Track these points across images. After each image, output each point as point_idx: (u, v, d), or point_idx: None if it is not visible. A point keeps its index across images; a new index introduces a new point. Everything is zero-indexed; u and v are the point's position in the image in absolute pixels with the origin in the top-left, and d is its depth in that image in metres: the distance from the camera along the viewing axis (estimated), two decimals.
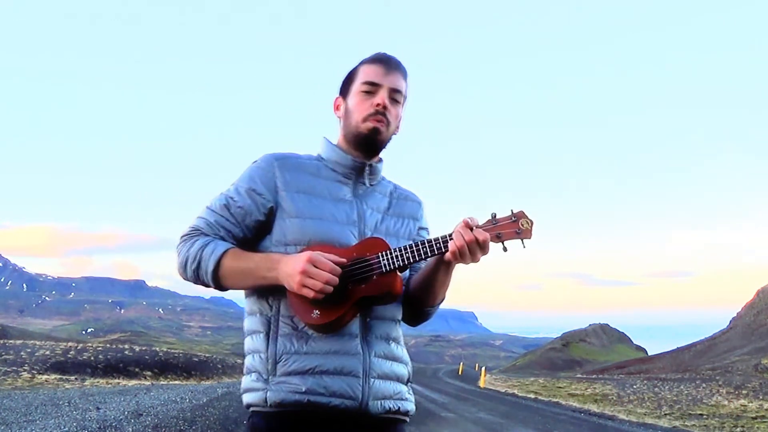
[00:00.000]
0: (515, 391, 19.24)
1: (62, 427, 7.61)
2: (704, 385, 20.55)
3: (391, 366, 1.44)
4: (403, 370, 1.49)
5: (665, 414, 12.03)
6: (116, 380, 20.48)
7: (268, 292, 1.40)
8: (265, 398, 1.34)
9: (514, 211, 1.42)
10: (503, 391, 19.76)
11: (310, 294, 1.29)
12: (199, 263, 1.37)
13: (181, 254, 1.41)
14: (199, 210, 1.47)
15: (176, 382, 24.35)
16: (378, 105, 1.47)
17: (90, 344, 40.10)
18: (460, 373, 34.85)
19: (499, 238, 1.40)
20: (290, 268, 1.30)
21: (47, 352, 25.44)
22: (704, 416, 11.54)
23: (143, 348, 36.91)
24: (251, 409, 1.39)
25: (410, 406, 1.49)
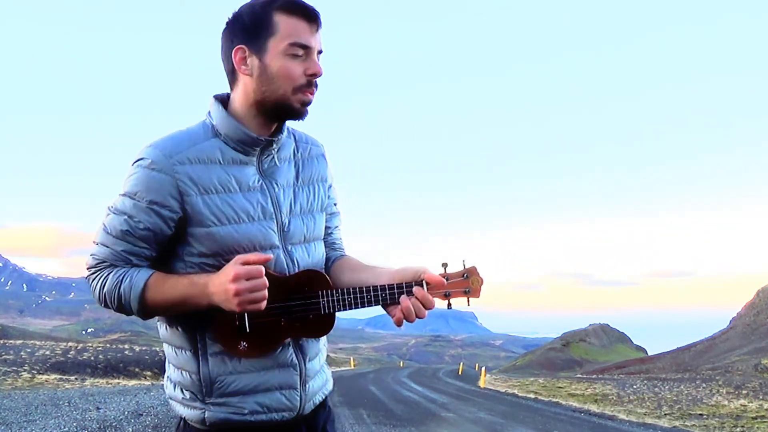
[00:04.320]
0: (515, 391, 19.22)
1: (62, 427, 7.61)
2: (704, 385, 20.54)
3: (318, 360, 1.42)
4: (324, 355, 1.46)
5: (665, 414, 12.02)
6: (116, 380, 20.46)
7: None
8: (204, 418, 1.30)
9: (467, 266, 1.37)
10: (503, 391, 19.75)
11: (256, 308, 1.22)
12: (120, 301, 1.25)
13: (96, 291, 1.28)
14: (97, 230, 1.29)
15: None
16: (314, 75, 1.28)
17: (90, 344, 40.06)
18: (460, 373, 34.81)
19: (446, 296, 1.36)
20: (222, 290, 1.20)
21: (47, 352, 25.42)
22: (704, 416, 11.53)
23: (143, 348, 36.86)
24: (187, 422, 1.34)
25: (331, 384, 1.49)
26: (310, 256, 1.38)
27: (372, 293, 1.31)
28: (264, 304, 1.22)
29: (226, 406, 1.29)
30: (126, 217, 1.25)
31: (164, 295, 1.25)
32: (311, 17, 1.28)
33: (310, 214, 1.40)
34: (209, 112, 1.33)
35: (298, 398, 1.34)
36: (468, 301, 1.37)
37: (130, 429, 7.67)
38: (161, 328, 1.36)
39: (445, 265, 1.37)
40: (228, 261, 1.24)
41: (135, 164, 1.26)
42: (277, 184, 1.34)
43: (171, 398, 1.38)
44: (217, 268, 1.25)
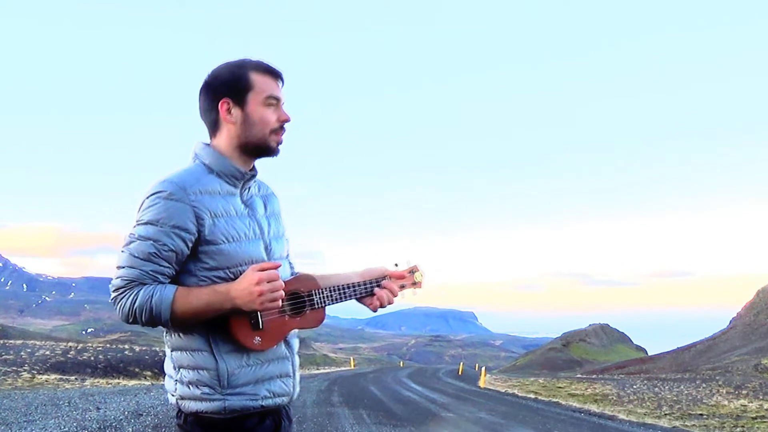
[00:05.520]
0: (515, 391, 19.23)
1: (62, 427, 7.61)
2: (704, 385, 20.55)
3: (298, 356, 1.73)
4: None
5: (665, 414, 12.03)
6: (116, 380, 20.47)
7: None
8: (225, 407, 1.53)
9: (410, 264, 1.83)
10: (503, 391, 19.75)
11: (275, 306, 1.53)
12: (150, 314, 1.46)
13: (125, 308, 1.47)
14: (119, 258, 1.49)
15: None
16: (285, 121, 1.63)
17: (90, 344, 40.08)
18: (460, 373, 34.81)
19: (402, 288, 1.81)
20: (246, 293, 1.47)
21: (47, 352, 25.45)
22: (704, 416, 11.53)
23: (143, 348, 36.87)
24: (201, 415, 1.55)
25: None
26: (285, 270, 1.69)
27: (354, 288, 1.72)
28: (281, 302, 1.54)
29: (242, 395, 1.54)
30: (152, 242, 1.48)
31: (191, 304, 1.48)
32: (278, 76, 1.64)
33: (280, 238, 1.73)
34: (198, 155, 1.62)
35: (292, 385, 1.66)
36: (414, 291, 1.85)
37: (130, 429, 7.68)
38: (173, 336, 1.58)
39: (396, 264, 1.81)
40: (233, 272, 1.53)
41: (153, 196, 1.50)
42: (256, 212, 1.65)
43: (183, 397, 1.56)
44: (225, 279, 1.53)
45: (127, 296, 1.47)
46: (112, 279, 1.51)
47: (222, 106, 1.58)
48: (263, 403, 1.57)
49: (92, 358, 25.62)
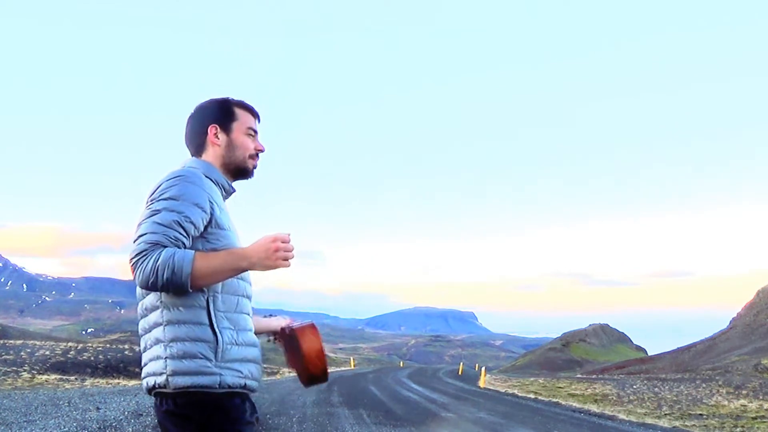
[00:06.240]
0: (515, 391, 19.21)
1: (62, 427, 7.62)
2: (704, 385, 20.55)
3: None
4: None
5: (665, 414, 12.02)
6: (116, 380, 20.46)
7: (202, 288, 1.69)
8: (219, 381, 1.65)
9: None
10: (503, 391, 19.74)
11: (287, 264, 1.68)
12: (173, 270, 1.57)
13: (147, 267, 1.58)
14: (142, 228, 1.64)
15: None
16: (261, 150, 1.94)
17: (90, 344, 39.99)
18: (460, 373, 34.79)
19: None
20: (261, 249, 1.66)
21: (47, 352, 25.43)
22: (704, 416, 11.53)
23: None
24: (192, 391, 1.63)
25: None
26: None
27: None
28: (292, 262, 1.71)
29: (232, 371, 1.68)
30: (175, 212, 1.65)
31: (209, 261, 1.63)
32: (255, 114, 1.96)
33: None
34: (191, 167, 1.82)
35: (261, 371, 1.83)
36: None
37: (130, 429, 7.68)
38: (172, 310, 1.67)
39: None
40: None
41: (174, 179, 1.71)
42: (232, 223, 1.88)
43: (176, 372, 1.63)
44: None
45: (149, 257, 1.59)
46: (132, 248, 1.62)
47: (211, 130, 1.88)
48: (247, 382, 1.72)
49: (92, 358, 25.60)
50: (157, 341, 1.68)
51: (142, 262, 1.58)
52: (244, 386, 1.71)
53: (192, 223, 1.66)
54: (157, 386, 1.66)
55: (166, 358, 1.65)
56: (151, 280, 1.56)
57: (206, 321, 1.67)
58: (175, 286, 1.59)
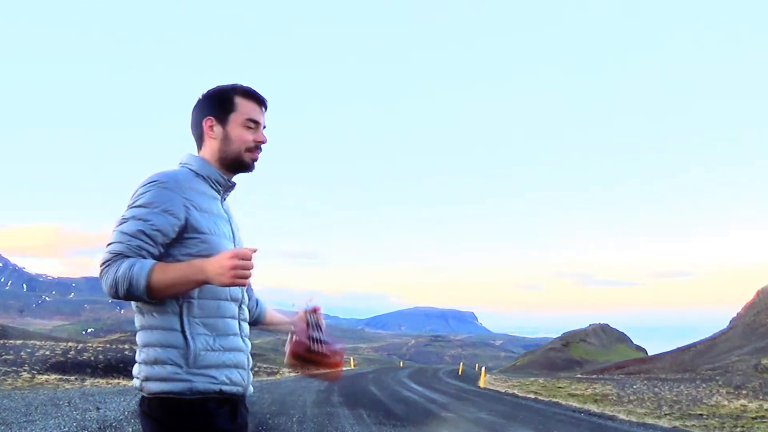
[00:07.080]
0: (515, 391, 19.22)
1: (62, 427, 7.62)
2: (704, 385, 20.56)
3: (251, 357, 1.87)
4: None
5: (665, 414, 12.03)
6: (116, 380, 20.43)
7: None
8: (190, 388, 1.62)
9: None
10: (503, 391, 19.74)
11: (243, 283, 1.58)
12: (130, 282, 1.55)
13: (109, 278, 1.57)
14: (109, 238, 1.63)
15: None
16: (261, 142, 1.83)
17: (90, 344, 40.01)
18: (460, 373, 34.79)
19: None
20: (217, 266, 1.56)
21: (47, 352, 25.42)
22: (704, 416, 11.53)
23: None
24: (164, 397, 1.62)
25: None
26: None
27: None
28: (249, 281, 1.60)
29: (205, 377, 1.64)
30: (141, 221, 1.61)
31: (167, 274, 1.57)
32: (262, 102, 1.85)
33: (241, 244, 1.89)
34: (184, 163, 1.80)
35: (247, 377, 1.77)
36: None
37: (130, 429, 7.68)
38: (145, 316, 1.67)
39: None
40: None
41: (149, 184, 1.65)
42: (230, 219, 1.85)
43: (148, 378, 1.64)
44: None
45: (112, 267, 1.58)
46: (101, 255, 1.62)
47: (206, 123, 1.80)
48: (222, 388, 1.67)
49: (92, 358, 25.59)
50: (138, 344, 1.70)
51: (106, 272, 1.58)
52: (220, 392, 1.66)
53: (159, 230, 1.62)
54: (137, 388, 1.71)
55: (140, 363, 1.67)
56: (112, 292, 1.57)
57: (178, 327, 1.64)
58: (134, 298, 1.59)
